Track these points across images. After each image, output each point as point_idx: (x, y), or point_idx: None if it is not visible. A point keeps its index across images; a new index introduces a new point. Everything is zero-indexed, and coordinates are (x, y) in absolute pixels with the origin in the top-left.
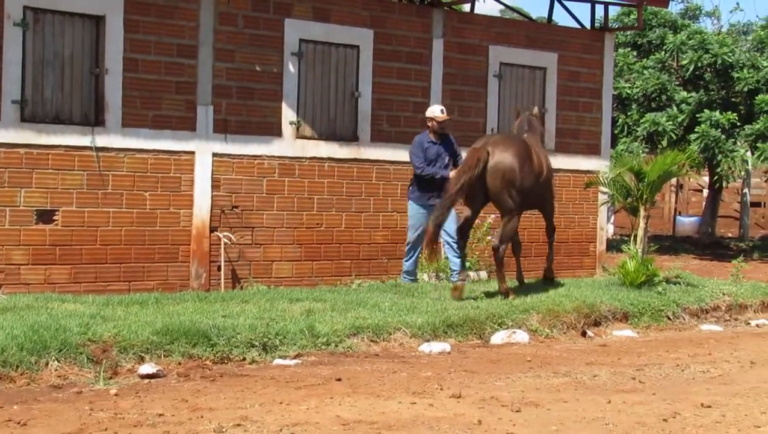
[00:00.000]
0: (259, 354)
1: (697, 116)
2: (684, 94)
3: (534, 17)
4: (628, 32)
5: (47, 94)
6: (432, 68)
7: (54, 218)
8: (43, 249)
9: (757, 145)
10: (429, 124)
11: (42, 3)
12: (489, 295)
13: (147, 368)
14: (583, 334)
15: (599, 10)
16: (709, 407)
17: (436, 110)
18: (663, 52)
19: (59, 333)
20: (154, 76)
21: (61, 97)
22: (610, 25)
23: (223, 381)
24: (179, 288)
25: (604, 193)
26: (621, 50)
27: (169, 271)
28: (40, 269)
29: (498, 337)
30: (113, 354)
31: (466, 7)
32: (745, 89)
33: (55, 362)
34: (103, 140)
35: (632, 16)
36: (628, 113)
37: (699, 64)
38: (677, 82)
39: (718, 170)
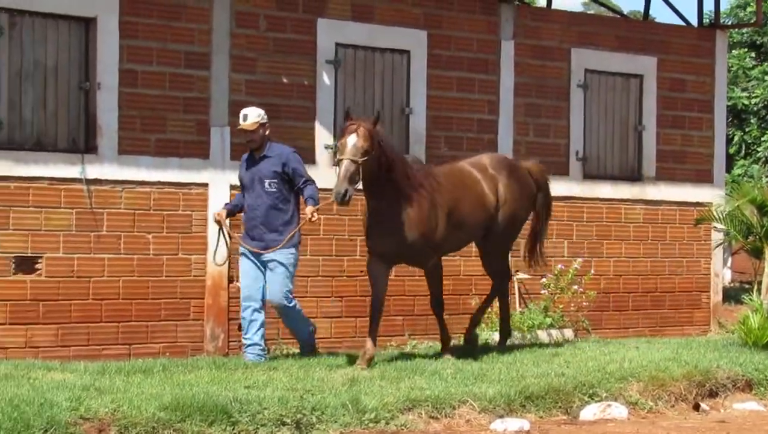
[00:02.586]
0: None
1: None
2: None
3: (626, 12)
4: (745, 30)
5: (26, 115)
6: (501, 77)
7: (36, 266)
8: (23, 305)
9: None
10: None
11: (19, 3)
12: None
13: None
14: (696, 407)
15: (708, 2)
16: None
17: (241, 116)
18: None
19: (45, 409)
20: (157, 91)
21: (43, 119)
22: (722, 21)
23: None
24: (191, 352)
25: (719, 230)
26: (735, 52)
27: (178, 331)
28: (19, 330)
29: (589, 412)
30: None
31: (542, 1)
32: None
33: None
34: (95, 171)
35: (749, 10)
36: (746, 129)
37: None
38: None
39: None
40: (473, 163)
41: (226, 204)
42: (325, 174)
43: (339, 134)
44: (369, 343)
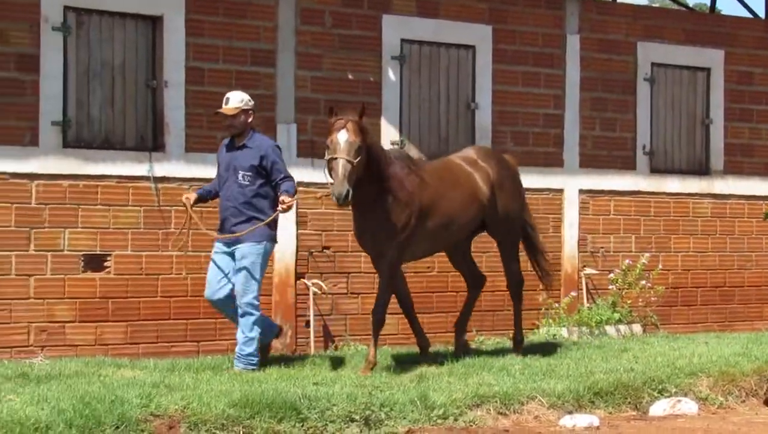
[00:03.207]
0: (361, 430)
1: None
2: None
3: (692, 5)
4: None
5: (94, 114)
6: (566, 72)
7: (105, 264)
8: (92, 303)
9: None
10: None
11: (86, 2)
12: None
13: None
14: (767, 403)
15: None
16: None
17: (224, 99)
18: None
19: (116, 406)
20: (223, 88)
21: (111, 117)
22: None
23: None
24: None
25: None
26: None
27: None
28: (89, 328)
29: (658, 407)
30: (181, 431)
31: None
32: None
33: None
34: (162, 169)
35: None
36: None
37: None
38: None
39: None
40: (462, 157)
41: (198, 189)
42: None
43: (328, 130)
44: (371, 351)
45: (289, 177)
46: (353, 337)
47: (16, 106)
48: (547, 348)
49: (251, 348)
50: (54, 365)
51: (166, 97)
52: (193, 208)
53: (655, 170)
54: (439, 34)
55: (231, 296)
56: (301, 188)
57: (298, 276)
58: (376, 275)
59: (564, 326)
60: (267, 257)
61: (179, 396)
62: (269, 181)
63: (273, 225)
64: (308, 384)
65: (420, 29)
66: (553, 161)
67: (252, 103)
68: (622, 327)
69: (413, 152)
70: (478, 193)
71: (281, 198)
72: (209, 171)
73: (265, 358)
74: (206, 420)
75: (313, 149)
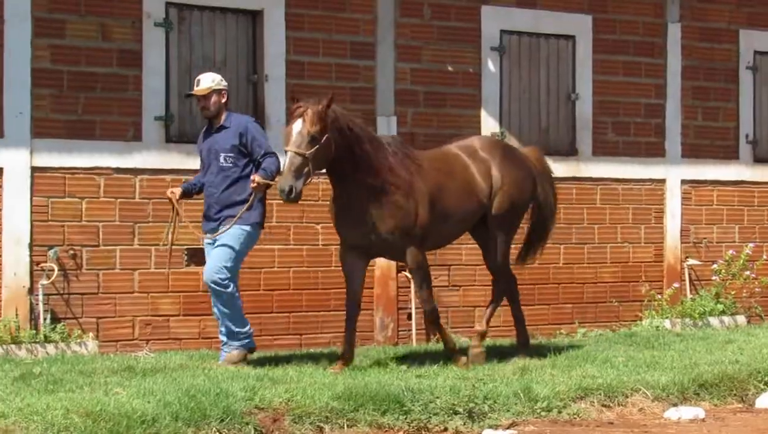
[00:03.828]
0: (464, 423)
1: None
2: None
3: None
4: None
5: (196, 109)
6: (667, 61)
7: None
8: (196, 296)
9: None
10: None
11: None
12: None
13: None
14: None
15: None
16: None
17: (195, 81)
18: None
19: (220, 399)
20: (323, 81)
21: None
22: None
23: None
24: (361, 342)
25: None
26: None
27: None
28: (193, 321)
29: (765, 400)
30: (285, 424)
31: None
32: None
33: None
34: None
35: None
36: None
37: None
38: None
39: None
40: (462, 146)
41: (184, 183)
42: None
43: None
44: (343, 347)
45: (271, 153)
46: (454, 329)
47: (120, 101)
48: (650, 340)
49: (237, 324)
50: (159, 358)
51: (267, 91)
52: (179, 202)
53: (759, 159)
54: (539, 25)
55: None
56: None
57: (399, 269)
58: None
59: (667, 317)
60: (251, 241)
61: (283, 388)
62: (253, 160)
63: (261, 209)
64: (411, 377)
65: (519, 20)
66: (654, 151)
67: (225, 83)
68: (726, 319)
69: (513, 143)
70: (475, 186)
71: (252, 176)
72: None
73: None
74: (310, 413)
75: (413, 141)
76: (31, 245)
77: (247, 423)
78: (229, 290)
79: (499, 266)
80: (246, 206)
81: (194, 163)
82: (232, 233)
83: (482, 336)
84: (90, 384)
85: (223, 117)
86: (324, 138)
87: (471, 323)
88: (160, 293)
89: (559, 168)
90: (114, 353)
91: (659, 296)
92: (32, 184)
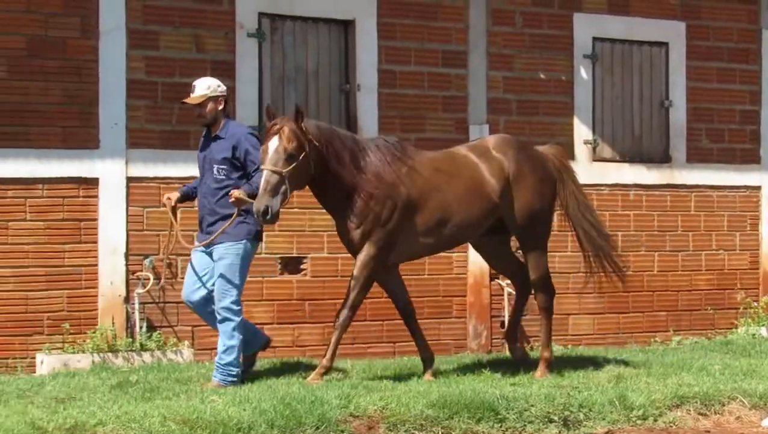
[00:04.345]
0: (559, 431)
1: None
2: None
3: None
4: None
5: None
6: (762, 67)
7: (301, 266)
8: (289, 305)
9: None
10: None
11: (280, 8)
12: None
13: None
14: None
15: None
16: None
17: (192, 88)
18: None
19: (315, 406)
20: (415, 90)
21: None
22: None
23: None
24: (454, 349)
25: None
26: None
27: (441, 329)
28: (287, 329)
29: None
30: (380, 432)
31: None
32: None
33: None
34: None
35: None
36: None
37: None
38: None
39: None
40: (473, 146)
41: (182, 187)
42: (583, 168)
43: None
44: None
45: (255, 167)
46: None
47: None
48: (747, 348)
49: (230, 357)
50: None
51: (359, 100)
52: (178, 207)
53: None
54: (632, 32)
55: (208, 299)
56: None
57: (492, 277)
58: (570, 275)
59: (763, 325)
60: (248, 257)
61: (378, 396)
62: (246, 174)
63: (254, 222)
64: (505, 385)
65: (612, 27)
66: (750, 157)
67: (222, 89)
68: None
69: (606, 151)
70: (484, 186)
71: (232, 190)
72: None
73: (248, 369)
74: (405, 421)
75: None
76: (126, 255)
77: (342, 431)
78: (237, 318)
79: (536, 278)
80: (228, 222)
81: None
82: (229, 258)
83: (547, 361)
84: (186, 392)
85: (221, 125)
86: (302, 155)
87: (564, 332)
88: (254, 301)
89: (652, 175)
90: (209, 361)
91: (755, 304)
92: (128, 194)
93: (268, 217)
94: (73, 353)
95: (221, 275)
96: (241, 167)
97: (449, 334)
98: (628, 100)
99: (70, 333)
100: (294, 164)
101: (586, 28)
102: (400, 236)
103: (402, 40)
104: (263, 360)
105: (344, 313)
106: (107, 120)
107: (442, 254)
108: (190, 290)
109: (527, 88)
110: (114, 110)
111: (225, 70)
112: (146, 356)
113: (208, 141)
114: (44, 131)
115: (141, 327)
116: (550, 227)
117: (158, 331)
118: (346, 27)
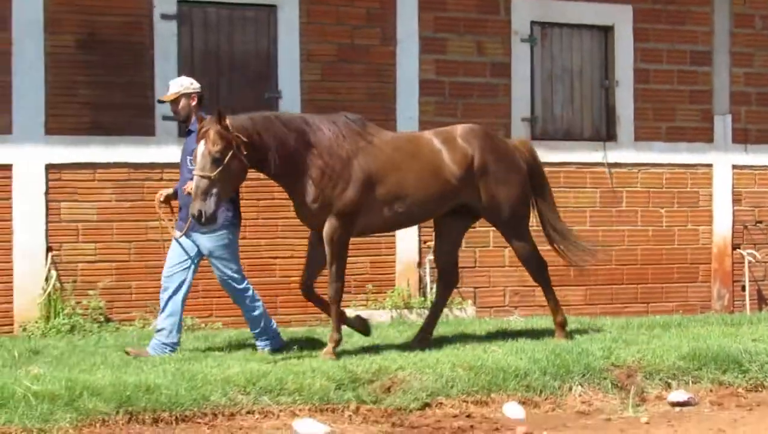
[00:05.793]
0: None
1: None
2: None
3: None
4: None
5: (557, 111)
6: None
7: None
8: (558, 270)
9: None
10: None
11: (550, 17)
12: None
13: (677, 395)
14: None
15: None
16: None
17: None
18: None
19: (582, 357)
20: (666, 86)
21: (570, 113)
22: None
23: (762, 411)
24: (700, 310)
25: None
26: None
27: (689, 292)
28: (555, 291)
29: None
30: (638, 380)
31: None
32: None
33: (579, 387)
34: (615, 156)
35: None
36: None
37: None
38: None
39: None
40: (439, 132)
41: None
42: None
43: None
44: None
45: None
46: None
47: (492, 106)
48: None
49: (263, 323)
50: (527, 322)
51: (617, 95)
52: (170, 203)
53: None
54: None
55: (179, 285)
56: (735, 171)
57: (734, 247)
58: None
59: None
60: (233, 243)
61: (635, 349)
62: None
63: (233, 210)
64: (747, 341)
65: None
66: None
67: (195, 86)
68: None
69: None
70: (443, 170)
71: (186, 185)
72: (655, 157)
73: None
74: (659, 370)
75: (746, 136)
76: (419, 227)
77: (605, 378)
78: (241, 287)
79: (524, 254)
80: (188, 224)
81: (556, 156)
82: (217, 251)
83: (562, 325)
84: (470, 343)
85: (192, 120)
86: (228, 156)
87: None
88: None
89: None
90: (489, 317)
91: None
92: None
93: (203, 220)
94: (375, 309)
95: (218, 268)
96: None
97: (696, 296)
98: None
99: (373, 293)
100: (221, 167)
101: None
102: (362, 208)
103: (654, 42)
104: (534, 317)
105: (333, 286)
106: (403, 114)
107: (689, 226)
108: (167, 273)
109: (765, 83)
110: (409, 106)
111: (502, 71)
112: None
113: (186, 135)
114: None
115: (431, 288)
116: (526, 213)
117: None
118: (606, 32)
